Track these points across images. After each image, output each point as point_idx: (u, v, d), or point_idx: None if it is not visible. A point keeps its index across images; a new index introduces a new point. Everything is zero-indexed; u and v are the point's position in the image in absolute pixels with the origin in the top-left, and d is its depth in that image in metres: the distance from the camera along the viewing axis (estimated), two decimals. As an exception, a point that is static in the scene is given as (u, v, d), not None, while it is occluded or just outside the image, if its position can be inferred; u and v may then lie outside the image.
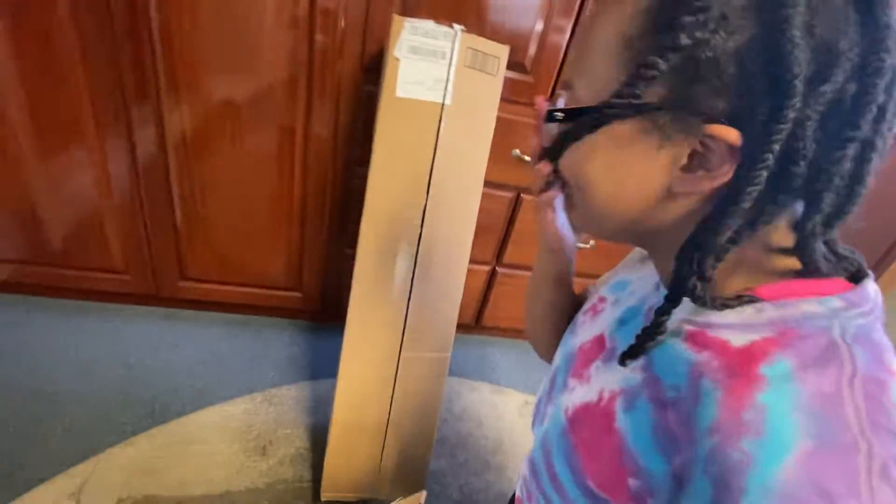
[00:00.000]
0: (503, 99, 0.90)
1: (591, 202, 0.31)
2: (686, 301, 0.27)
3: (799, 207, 0.26)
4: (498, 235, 1.27)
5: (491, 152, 0.90)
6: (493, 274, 1.35)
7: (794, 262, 0.27)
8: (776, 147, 0.23)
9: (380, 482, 0.93)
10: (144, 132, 1.01)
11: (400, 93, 0.77)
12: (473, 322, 1.44)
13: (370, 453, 0.92)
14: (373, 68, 0.98)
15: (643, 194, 0.28)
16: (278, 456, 1.04)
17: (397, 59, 0.76)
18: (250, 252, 1.22)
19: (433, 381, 0.92)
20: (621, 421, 0.31)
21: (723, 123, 0.23)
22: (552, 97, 0.41)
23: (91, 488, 0.90)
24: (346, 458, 0.91)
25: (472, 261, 1.23)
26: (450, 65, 0.77)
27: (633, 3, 0.25)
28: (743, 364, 0.25)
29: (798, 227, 0.26)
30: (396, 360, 0.89)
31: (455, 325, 0.94)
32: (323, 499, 0.92)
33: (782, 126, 0.22)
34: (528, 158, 1.02)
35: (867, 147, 0.23)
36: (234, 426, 1.08)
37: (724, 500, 0.22)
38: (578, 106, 0.28)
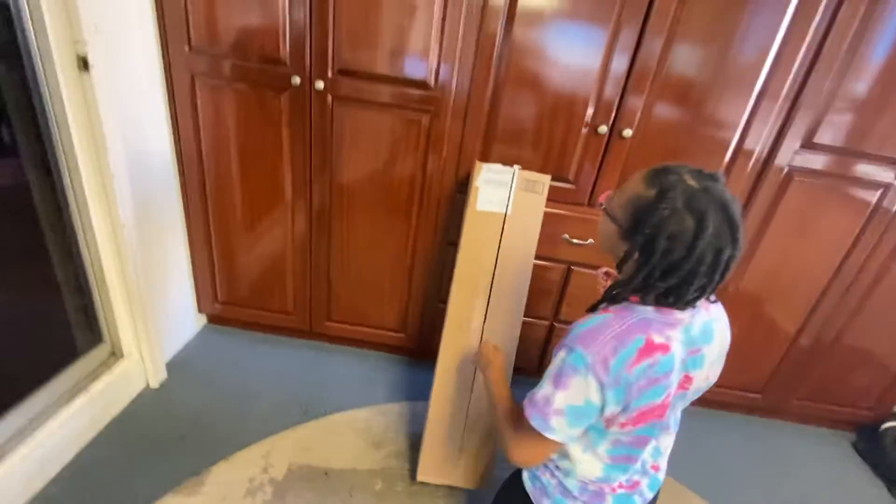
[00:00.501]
0: (556, 200, 1.34)
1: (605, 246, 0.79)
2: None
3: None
4: (555, 297, 1.64)
5: (547, 237, 1.32)
6: (551, 329, 1.71)
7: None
8: (648, 271, 0.67)
9: (458, 472, 1.30)
10: (320, 198, 1.57)
11: (479, 207, 1.24)
12: (536, 369, 1.79)
13: (452, 451, 1.30)
14: (461, 183, 1.48)
15: (615, 249, 0.74)
16: (388, 450, 1.47)
17: (477, 188, 1.24)
18: (374, 302, 1.73)
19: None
20: None
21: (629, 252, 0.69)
22: (609, 193, 0.79)
23: (273, 455, 1.40)
24: (435, 452, 1.30)
25: (534, 316, 1.64)
26: (510, 190, 1.23)
27: (637, 191, 0.68)
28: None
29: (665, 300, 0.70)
30: (472, 381, 1.29)
31: (514, 355, 1.31)
32: (419, 478, 1.31)
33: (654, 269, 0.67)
34: (575, 241, 1.44)
35: (708, 285, 0.66)
36: (359, 426, 1.54)
37: (561, 342, 0.71)
38: (610, 210, 0.74)
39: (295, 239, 1.63)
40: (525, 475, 0.92)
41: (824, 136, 1.35)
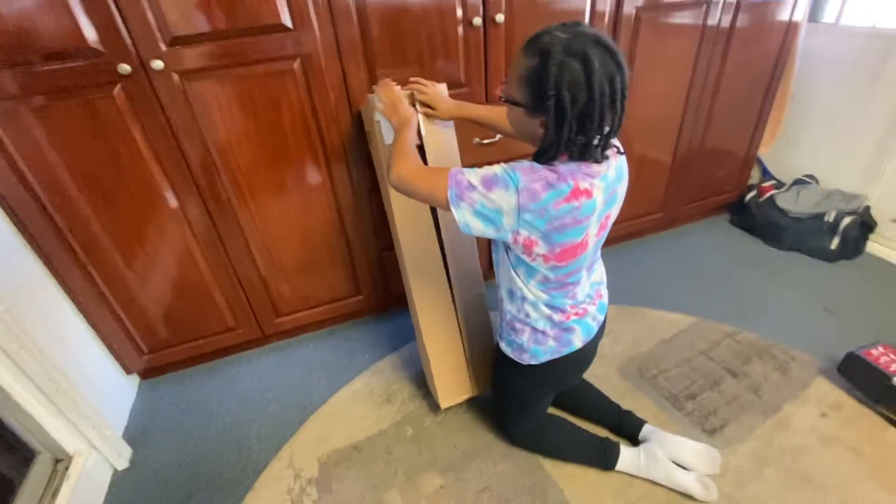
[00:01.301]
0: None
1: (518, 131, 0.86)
2: None
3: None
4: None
5: (459, 147, 1.33)
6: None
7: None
8: (567, 129, 0.75)
9: (475, 382, 1.39)
10: (212, 191, 1.40)
11: (388, 141, 1.19)
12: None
13: (459, 366, 1.36)
14: (361, 123, 1.39)
15: (532, 130, 0.80)
16: (400, 399, 1.49)
17: (378, 122, 1.18)
18: (317, 278, 1.64)
19: (479, 308, 1.36)
20: None
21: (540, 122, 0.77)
22: (502, 86, 0.88)
23: (297, 459, 1.34)
24: (447, 377, 1.36)
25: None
26: (416, 109, 1.19)
27: (523, 66, 0.75)
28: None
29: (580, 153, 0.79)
30: (452, 303, 1.33)
31: (479, 267, 1.37)
32: (443, 407, 1.38)
33: (570, 118, 0.74)
34: (486, 141, 1.48)
35: (615, 117, 0.75)
36: (361, 395, 1.53)
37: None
38: (509, 95, 0.82)
39: (202, 247, 1.43)
40: (503, 345, 1.09)
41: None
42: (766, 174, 2.33)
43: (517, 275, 0.95)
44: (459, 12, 1.32)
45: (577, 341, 1.02)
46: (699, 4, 1.62)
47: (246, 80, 1.23)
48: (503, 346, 1.10)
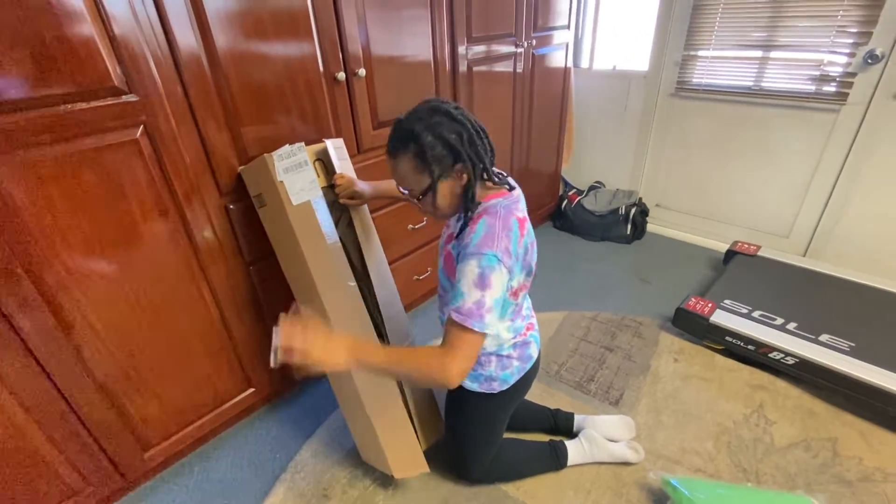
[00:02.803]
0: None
1: (438, 212, 0.92)
2: None
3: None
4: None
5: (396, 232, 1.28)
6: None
7: (490, 187, 0.92)
8: (470, 164, 0.86)
9: (420, 438, 1.31)
10: (39, 334, 1.03)
11: (295, 202, 1.07)
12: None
13: (407, 428, 1.24)
14: (232, 192, 1.21)
15: (453, 201, 0.89)
16: (340, 489, 1.31)
17: (281, 182, 1.06)
18: (196, 383, 1.32)
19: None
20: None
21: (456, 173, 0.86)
22: (409, 192, 0.91)
23: None
24: (397, 444, 1.22)
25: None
26: (312, 168, 1.10)
27: (409, 161, 0.84)
28: (450, 223, 0.94)
29: (485, 177, 0.90)
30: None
31: (405, 314, 1.33)
32: (399, 478, 1.26)
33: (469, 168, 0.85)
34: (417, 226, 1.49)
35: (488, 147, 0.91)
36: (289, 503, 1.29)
37: (464, 257, 0.86)
38: (421, 190, 0.87)
39: (25, 403, 1.01)
40: (466, 383, 1.10)
41: (475, 30, 1.73)
42: (567, 185, 2.89)
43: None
44: (321, 67, 1.29)
45: (534, 352, 1.12)
46: (509, 56, 1.94)
47: (74, 158, 0.94)
48: (467, 383, 1.10)
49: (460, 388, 1.11)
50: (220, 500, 1.31)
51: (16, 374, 0.99)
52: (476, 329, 0.83)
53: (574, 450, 1.32)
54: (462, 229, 0.91)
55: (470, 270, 0.83)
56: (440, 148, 0.83)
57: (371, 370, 0.91)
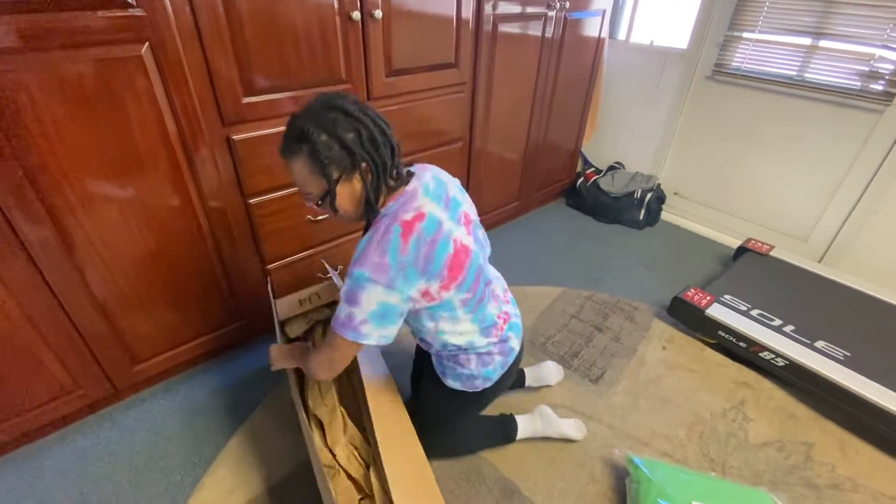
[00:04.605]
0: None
1: (340, 217, 0.89)
2: None
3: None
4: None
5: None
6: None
7: (393, 187, 0.88)
8: (372, 162, 0.83)
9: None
10: (43, 247, 1.07)
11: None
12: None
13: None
14: (233, 123, 1.21)
15: (356, 205, 0.86)
16: (315, 424, 1.36)
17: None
18: (188, 309, 1.37)
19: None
20: None
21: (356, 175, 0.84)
22: (307, 196, 0.86)
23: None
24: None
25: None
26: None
27: (303, 163, 0.80)
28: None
29: (390, 179, 0.87)
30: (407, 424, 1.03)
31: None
32: None
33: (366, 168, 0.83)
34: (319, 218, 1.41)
35: (391, 140, 0.86)
36: (270, 426, 1.34)
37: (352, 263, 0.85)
38: (320, 195, 0.84)
39: (19, 300, 1.06)
40: (449, 382, 1.06)
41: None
42: (586, 163, 2.81)
43: (446, 331, 0.96)
44: (336, 4, 1.25)
45: (515, 344, 1.06)
46: (539, 17, 1.86)
47: (74, 67, 0.94)
48: (450, 382, 1.05)
49: (444, 389, 1.07)
50: (201, 418, 1.38)
51: (17, 277, 1.04)
52: (349, 338, 0.86)
53: (524, 425, 1.32)
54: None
55: (344, 286, 0.85)
56: (337, 148, 0.78)
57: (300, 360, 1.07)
